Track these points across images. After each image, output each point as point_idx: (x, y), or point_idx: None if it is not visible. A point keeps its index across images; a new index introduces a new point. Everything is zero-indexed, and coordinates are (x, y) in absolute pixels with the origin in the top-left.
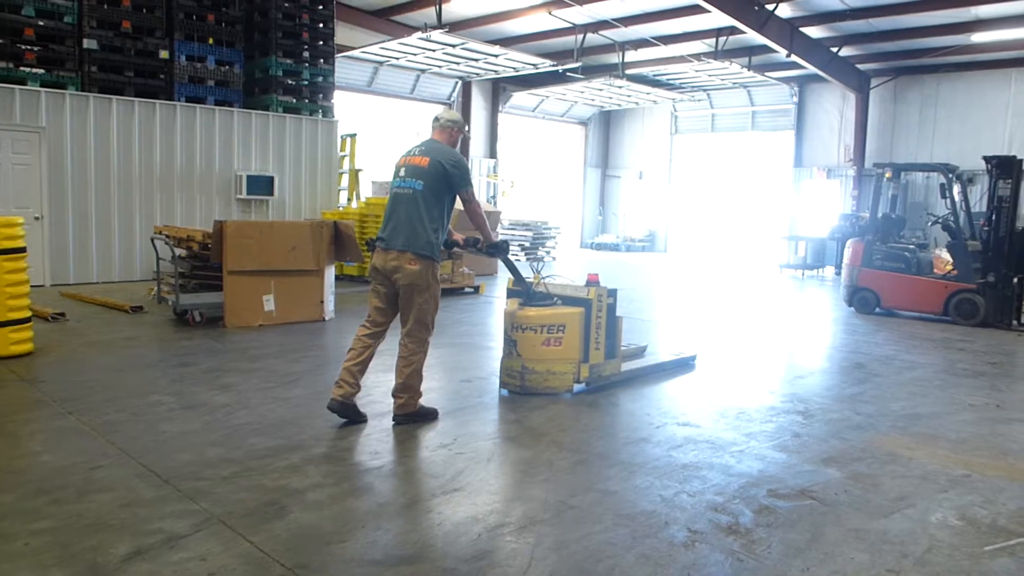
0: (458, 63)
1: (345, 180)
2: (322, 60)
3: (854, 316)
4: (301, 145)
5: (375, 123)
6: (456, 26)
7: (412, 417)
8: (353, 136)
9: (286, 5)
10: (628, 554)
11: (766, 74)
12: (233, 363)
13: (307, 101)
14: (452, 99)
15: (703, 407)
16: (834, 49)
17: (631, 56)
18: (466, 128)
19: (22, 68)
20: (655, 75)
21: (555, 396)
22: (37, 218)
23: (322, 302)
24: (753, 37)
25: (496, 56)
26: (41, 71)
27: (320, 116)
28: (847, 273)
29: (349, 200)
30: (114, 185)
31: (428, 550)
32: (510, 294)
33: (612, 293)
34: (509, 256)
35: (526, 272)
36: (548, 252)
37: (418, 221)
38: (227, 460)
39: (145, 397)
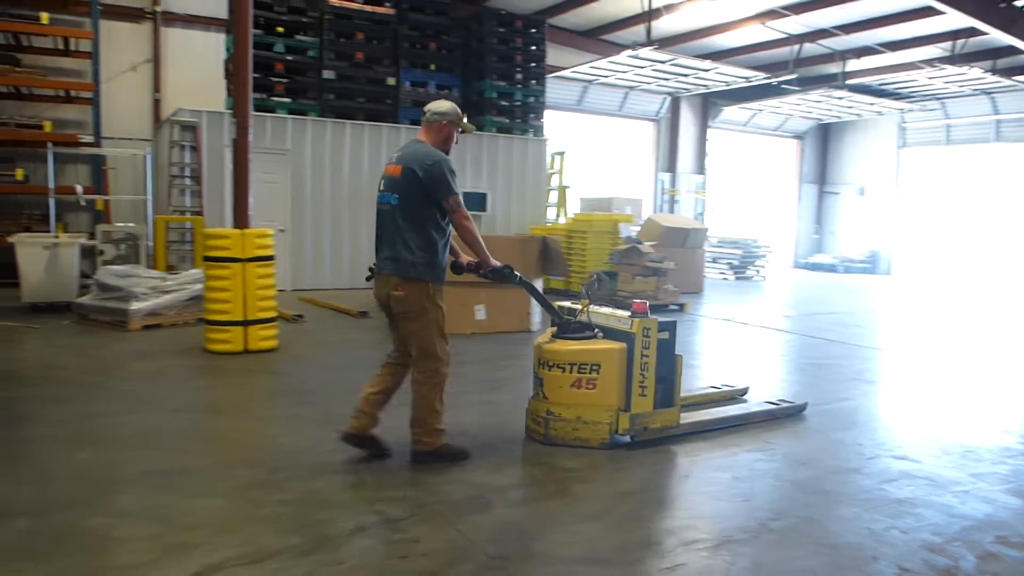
0: (667, 79)
1: (553, 196)
2: (534, 81)
3: None
4: (512, 163)
5: (583, 141)
6: (665, 42)
7: (430, 457)
8: (562, 154)
9: (501, 31)
10: None
11: (1013, 78)
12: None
13: (519, 121)
14: (660, 115)
15: (924, 441)
16: None
17: (853, 65)
18: (463, 119)
19: (272, 98)
20: (880, 84)
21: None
22: (282, 230)
23: (528, 313)
24: (997, 37)
25: (706, 71)
26: (288, 100)
27: (531, 135)
28: None
29: (557, 216)
30: (345, 200)
31: (622, 555)
32: (553, 323)
33: (667, 327)
34: (519, 281)
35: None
36: (757, 271)
37: (399, 241)
38: None
39: None
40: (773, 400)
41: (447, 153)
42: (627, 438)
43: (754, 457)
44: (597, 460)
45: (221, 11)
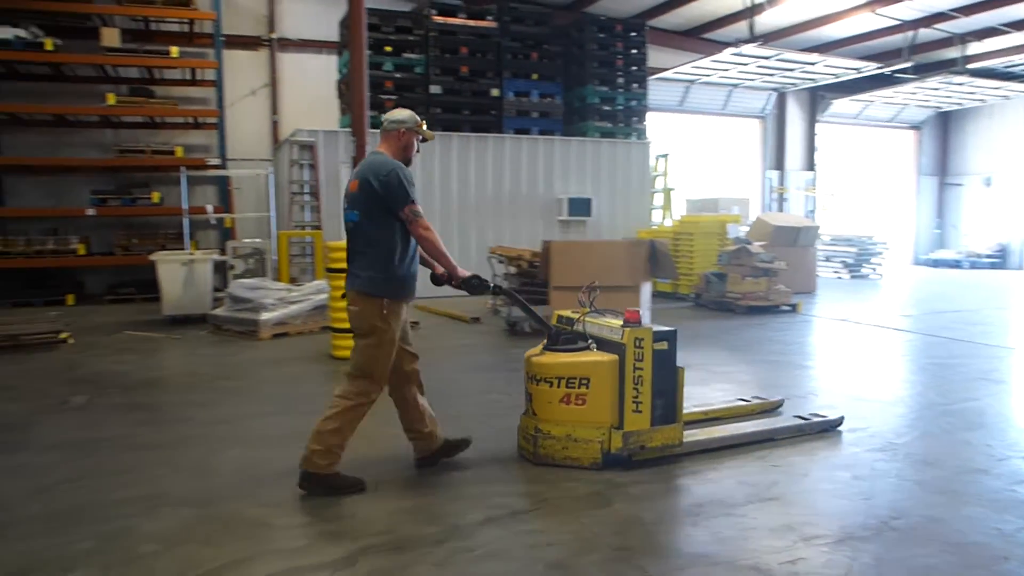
0: (772, 74)
1: (658, 199)
2: (635, 84)
3: None
4: (616, 167)
5: (687, 141)
6: (769, 37)
7: (316, 480)
8: (666, 156)
9: (601, 36)
10: None
11: None
12: None
13: (622, 125)
14: (765, 112)
15: None
16: None
17: (974, 48)
18: (422, 125)
19: (382, 115)
20: (1006, 67)
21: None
22: None
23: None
24: None
25: (813, 64)
26: None
27: (634, 138)
28: None
29: (663, 218)
30: (453, 211)
31: (741, 551)
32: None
33: (665, 336)
34: (494, 289)
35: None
36: (874, 269)
37: (360, 255)
38: None
39: (485, 395)
40: (804, 415)
41: (409, 162)
42: (626, 456)
43: (874, 457)
44: (717, 456)
45: (331, 34)
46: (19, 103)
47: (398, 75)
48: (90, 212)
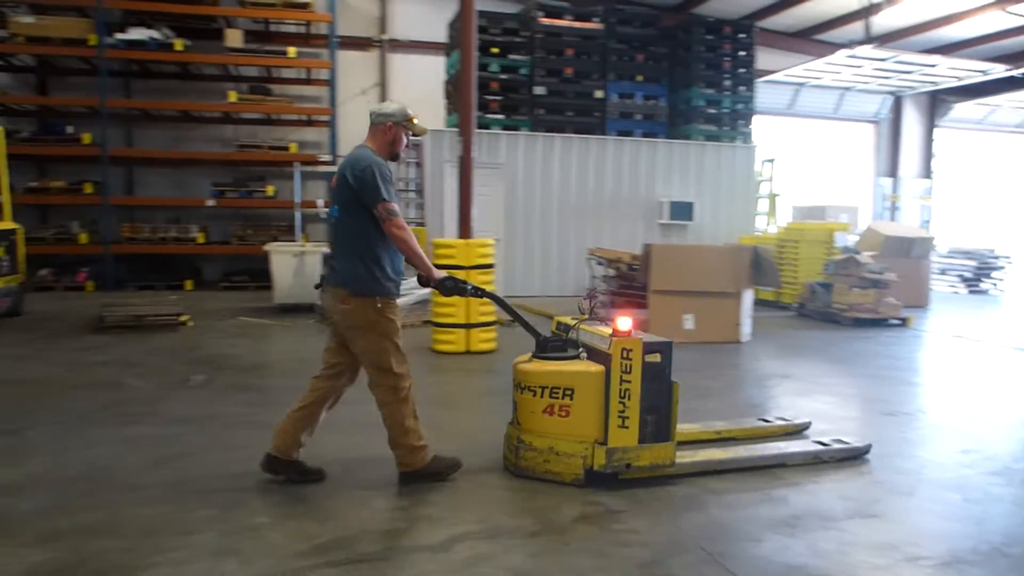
0: (888, 77)
1: (763, 204)
2: (743, 87)
3: None
4: (720, 171)
5: (794, 146)
6: (886, 38)
7: (417, 476)
8: (772, 160)
9: (708, 38)
10: None
11: None
12: None
13: (727, 128)
14: (880, 116)
15: None
16: None
17: None
18: (412, 120)
19: (488, 115)
20: None
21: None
22: (497, 240)
23: (738, 324)
24: None
25: (933, 66)
26: (502, 117)
27: (739, 142)
28: None
29: (767, 225)
30: (553, 211)
31: (839, 566)
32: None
33: (659, 348)
34: (472, 291)
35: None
36: (995, 284)
37: (344, 252)
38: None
39: None
40: (825, 440)
41: (396, 157)
42: (610, 474)
43: (989, 480)
44: (816, 469)
45: (439, 36)
46: (150, 100)
47: (503, 76)
48: (210, 203)
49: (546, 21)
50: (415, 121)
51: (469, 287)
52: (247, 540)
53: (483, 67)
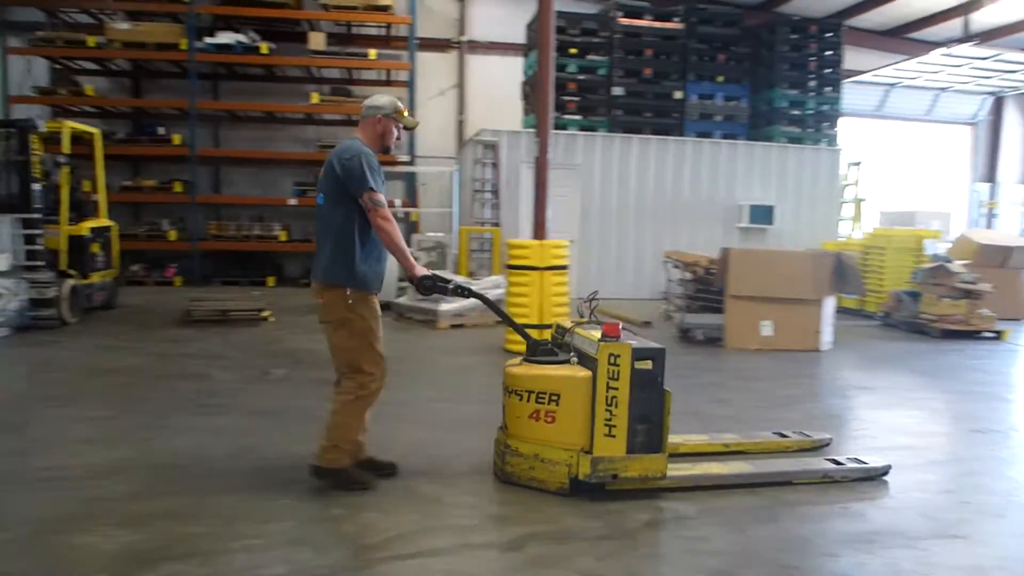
0: (988, 77)
1: (847, 209)
2: (828, 88)
3: None
4: (802, 175)
5: (883, 149)
6: (987, 36)
7: (327, 474)
8: (858, 164)
9: (793, 37)
10: None
11: None
12: (730, 381)
13: (811, 130)
14: (978, 118)
15: None
16: None
17: None
18: (403, 112)
19: (565, 116)
20: None
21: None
22: (572, 241)
23: (818, 332)
24: None
25: None
26: (579, 117)
27: (824, 144)
28: None
29: (852, 230)
30: (630, 213)
31: None
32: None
33: (650, 355)
34: (455, 290)
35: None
36: None
37: (324, 242)
38: None
39: None
40: (840, 458)
41: (388, 150)
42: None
43: None
44: (895, 484)
45: (517, 37)
46: (236, 101)
47: (581, 77)
48: (292, 202)
49: (625, 21)
50: (405, 114)
51: (451, 285)
52: (321, 530)
53: (561, 68)
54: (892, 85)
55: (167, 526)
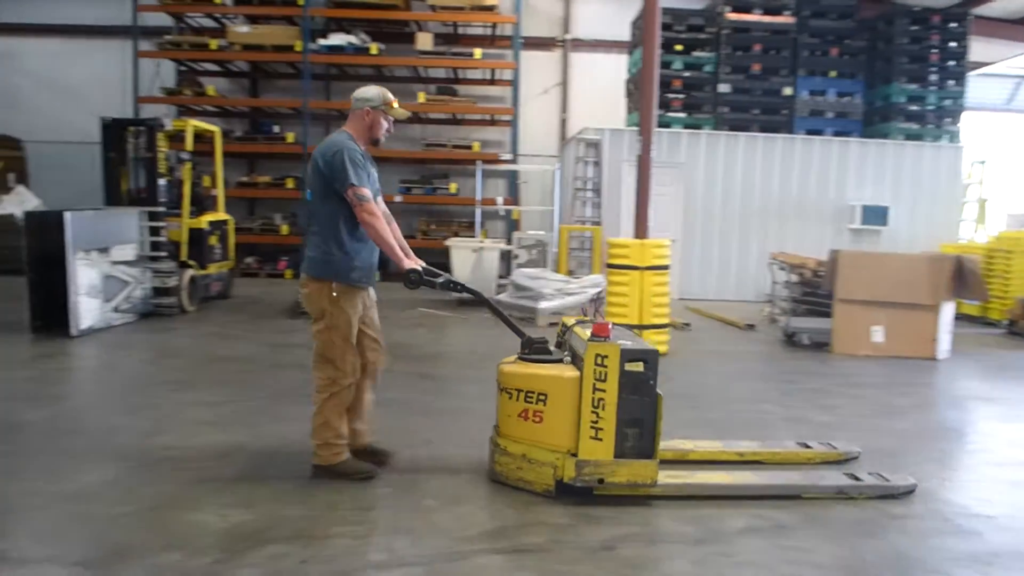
0: None
1: (970, 210)
2: (952, 81)
3: None
4: (921, 173)
5: (1013, 146)
6: None
7: (327, 472)
8: (982, 162)
9: (913, 29)
10: None
11: None
12: (836, 387)
13: (931, 126)
14: None
15: None
16: None
17: None
18: (392, 104)
19: (669, 113)
20: None
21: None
22: (673, 241)
23: (935, 339)
24: None
25: None
26: (683, 115)
27: (945, 141)
28: None
29: (975, 233)
30: (734, 213)
31: None
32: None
33: (642, 356)
34: (444, 284)
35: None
36: None
37: (313, 237)
38: None
39: (754, 404)
40: (859, 474)
41: (377, 143)
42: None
43: None
44: (1017, 503)
45: (622, 34)
46: (347, 101)
47: (687, 74)
48: (397, 199)
49: (733, 16)
50: (395, 105)
51: (440, 280)
52: (419, 520)
53: (666, 65)
54: None
55: (274, 508)
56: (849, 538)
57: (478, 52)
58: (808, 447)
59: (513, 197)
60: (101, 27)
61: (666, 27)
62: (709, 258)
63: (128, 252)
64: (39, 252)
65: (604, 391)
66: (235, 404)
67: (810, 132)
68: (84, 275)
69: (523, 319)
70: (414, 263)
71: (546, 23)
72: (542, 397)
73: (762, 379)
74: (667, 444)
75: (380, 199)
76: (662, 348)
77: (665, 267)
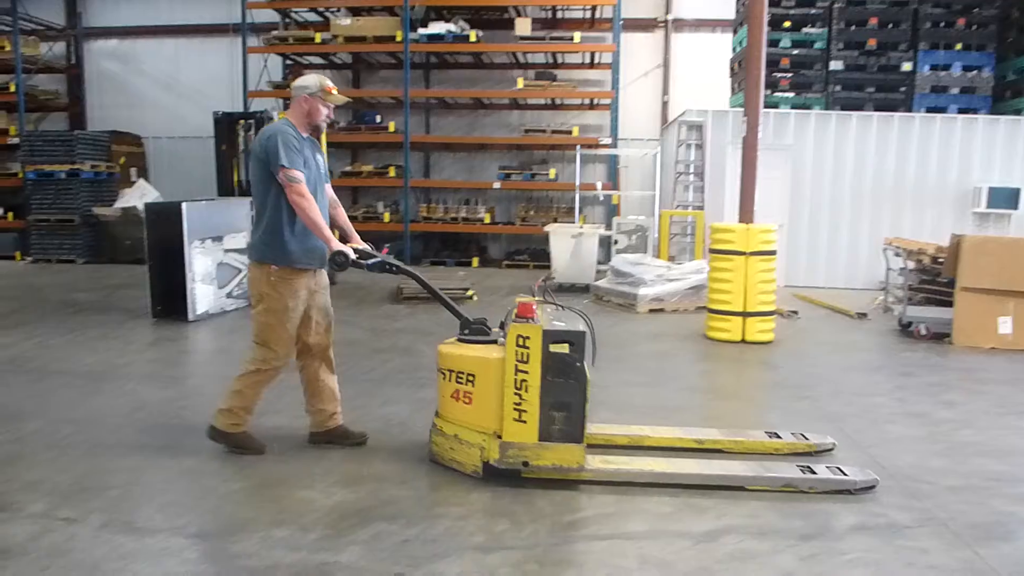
0: None
1: None
2: None
3: None
4: None
5: None
6: None
7: (216, 434)
8: None
9: None
10: None
11: None
12: (958, 382)
13: None
14: None
15: None
16: None
17: None
18: (330, 91)
19: (776, 93)
20: None
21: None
22: (780, 226)
23: None
24: None
25: None
26: (791, 95)
27: None
28: None
29: None
30: (845, 196)
31: None
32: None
33: (567, 337)
34: (372, 266)
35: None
36: None
37: (256, 222)
38: (951, 472)
39: (868, 397)
40: (814, 466)
41: (318, 129)
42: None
43: None
44: None
45: (726, 12)
46: (446, 89)
47: (795, 52)
48: (496, 185)
49: None
50: (333, 92)
51: (368, 263)
52: (518, 504)
53: (772, 43)
54: None
55: (377, 488)
56: (973, 539)
57: (577, 36)
58: (778, 437)
59: (613, 182)
60: (212, 26)
61: (773, 3)
62: (817, 244)
63: (240, 240)
64: (159, 242)
65: (527, 372)
66: (340, 387)
67: (931, 109)
68: (200, 263)
69: (622, 306)
70: (342, 247)
71: (647, 3)
72: (471, 378)
73: (876, 370)
74: (624, 430)
75: (328, 186)
76: (767, 336)
77: (772, 252)
